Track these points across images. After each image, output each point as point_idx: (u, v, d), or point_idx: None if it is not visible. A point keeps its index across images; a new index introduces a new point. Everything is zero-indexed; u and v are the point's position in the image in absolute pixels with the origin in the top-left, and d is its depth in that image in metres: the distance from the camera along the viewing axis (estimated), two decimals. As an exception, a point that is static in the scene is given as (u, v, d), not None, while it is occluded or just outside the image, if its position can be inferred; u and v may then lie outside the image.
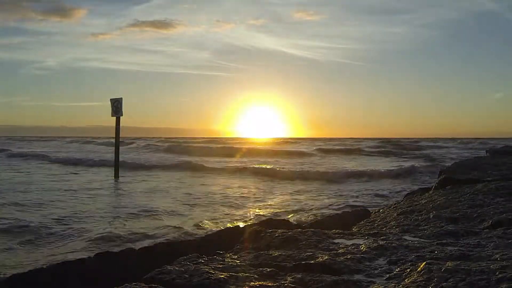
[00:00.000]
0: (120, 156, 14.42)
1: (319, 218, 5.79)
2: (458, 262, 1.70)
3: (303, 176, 13.65)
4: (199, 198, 9.07)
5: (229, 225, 6.23)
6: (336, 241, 2.28)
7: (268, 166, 17.53)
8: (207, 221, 6.60)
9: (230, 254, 2.09)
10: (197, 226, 6.28)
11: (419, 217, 3.04)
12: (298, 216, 7.21)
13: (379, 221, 3.26)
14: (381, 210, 4.29)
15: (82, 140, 58.05)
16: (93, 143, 49.14)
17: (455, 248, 2.01)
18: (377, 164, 19.81)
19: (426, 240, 2.29)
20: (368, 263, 1.86)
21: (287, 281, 1.65)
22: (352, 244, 2.17)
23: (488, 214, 2.80)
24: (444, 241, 2.21)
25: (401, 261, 1.85)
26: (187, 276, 1.69)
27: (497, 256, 1.81)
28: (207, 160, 21.53)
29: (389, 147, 37.83)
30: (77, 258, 3.14)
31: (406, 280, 1.59)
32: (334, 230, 2.55)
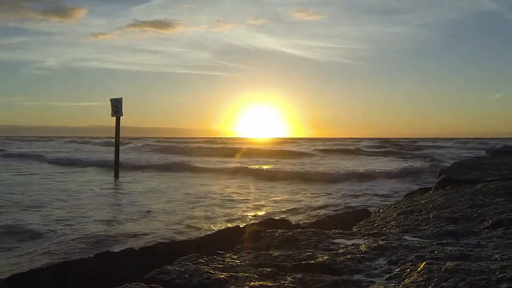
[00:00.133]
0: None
1: (319, 218, 5.79)
2: (458, 262, 1.70)
3: (303, 176, 13.65)
4: (199, 199, 9.07)
5: (229, 225, 6.23)
6: (336, 241, 2.28)
7: (268, 167, 17.53)
8: (206, 221, 6.60)
9: (230, 254, 2.09)
10: (197, 226, 6.27)
11: (419, 217, 3.04)
12: (298, 216, 7.21)
13: (379, 221, 3.26)
14: (381, 210, 4.29)
15: (79, 140, 58.02)
16: (91, 143, 49.10)
17: (455, 248, 2.01)
18: (377, 164, 19.81)
19: (426, 240, 2.29)
20: (368, 263, 1.86)
21: (287, 281, 1.65)
22: (352, 244, 2.17)
23: (488, 214, 2.80)
24: (444, 241, 2.21)
25: (401, 261, 1.85)
26: (187, 276, 1.69)
27: (497, 256, 1.81)
28: (206, 160, 21.55)
29: (389, 147, 37.86)
30: (77, 258, 3.14)
31: (406, 280, 1.59)
32: (334, 230, 2.55)
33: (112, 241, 5.26)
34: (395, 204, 4.67)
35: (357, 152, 31.25)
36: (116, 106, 13.66)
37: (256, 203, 8.60)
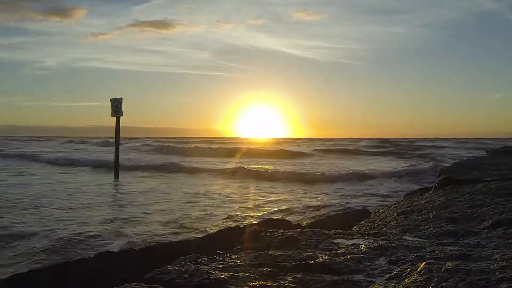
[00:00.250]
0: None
1: (319, 218, 5.79)
2: (458, 262, 1.71)
3: (303, 177, 13.65)
4: (198, 199, 9.07)
5: (229, 225, 6.23)
6: (336, 241, 2.28)
7: (267, 167, 17.53)
8: (206, 222, 6.60)
9: (230, 254, 2.09)
10: (197, 226, 6.28)
11: (419, 217, 3.04)
12: (298, 216, 7.21)
13: (379, 221, 3.26)
14: (381, 210, 4.29)
15: (78, 140, 57.96)
16: (89, 143, 49.02)
17: (455, 248, 2.01)
18: (376, 164, 19.82)
19: (426, 240, 2.29)
20: (368, 263, 1.86)
21: (287, 281, 1.65)
22: (352, 244, 2.17)
23: (488, 214, 2.80)
24: (444, 241, 2.21)
25: (401, 261, 1.85)
26: (187, 276, 1.69)
27: (497, 256, 1.81)
28: (206, 160, 21.54)
29: (389, 147, 37.88)
30: (77, 258, 3.14)
31: (406, 280, 1.59)
32: (334, 230, 2.55)
33: (112, 241, 5.26)
34: (395, 204, 4.67)
35: (356, 152, 31.26)
36: (116, 106, 13.65)
37: (256, 203, 8.60)
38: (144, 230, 5.87)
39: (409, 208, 3.54)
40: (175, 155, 25.53)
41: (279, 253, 2.00)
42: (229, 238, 3.12)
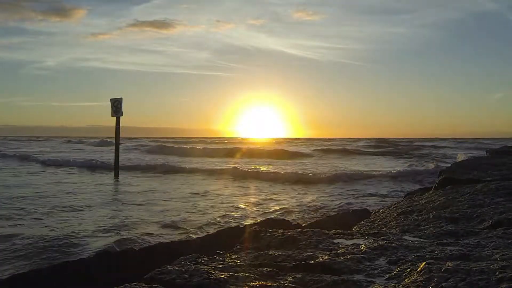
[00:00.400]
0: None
1: (319, 218, 5.79)
2: (458, 262, 1.71)
3: (302, 177, 13.64)
4: (198, 199, 9.07)
5: (229, 225, 6.22)
6: (336, 241, 2.29)
7: (267, 167, 17.53)
8: (206, 222, 6.60)
9: (230, 254, 2.09)
10: (197, 226, 6.27)
11: (419, 217, 3.04)
12: (297, 216, 7.21)
13: (379, 221, 3.26)
14: (381, 210, 4.29)
15: (75, 140, 57.92)
16: (85, 143, 48.96)
17: (455, 248, 2.01)
18: (376, 164, 19.82)
19: (426, 240, 2.29)
20: (368, 263, 1.86)
21: (287, 281, 1.65)
22: (352, 244, 2.17)
23: (488, 214, 2.80)
24: (444, 241, 2.21)
25: (401, 261, 1.85)
26: (187, 276, 1.69)
27: (497, 256, 1.81)
28: (206, 161, 21.54)
29: (389, 147, 37.87)
30: (77, 258, 3.14)
31: (406, 280, 1.59)
32: (334, 230, 2.55)
33: (112, 241, 5.26)
34: (395, 204, 4.67)
35: (356, 152, 31.25)
36: (116, 106, 13.65)
37: (256, 204, 8.60)
38: (144, 230, 5.87)
39: (409, 208, 3.54)
40: (174, 156, 25.49)
41: (279, 253, 2.00)
42: (229, 238, 3.12)
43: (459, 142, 48.24)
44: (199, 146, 34.40)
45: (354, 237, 2.42)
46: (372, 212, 4.45)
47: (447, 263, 1.67)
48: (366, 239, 2.33)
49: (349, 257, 1.90)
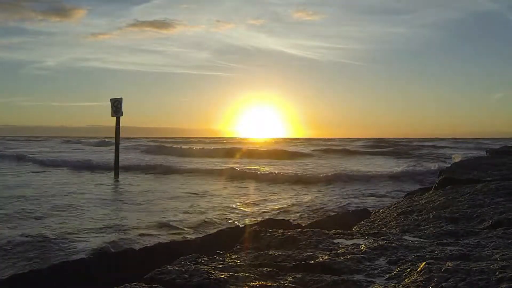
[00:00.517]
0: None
1: (319, 218, 5.79)
2: (458, 262, 1.71)
3: (302, 177, 13.64)
4: (197, 199, 9.07)
5: (229, 225, 6.23)
6: (336, 241, 2.29)
7: (267, 167, 17.53)
8: (206, 222, 6.60)
9: (230, 254, 2.09)
10: (197, 226, 6.27)
11: (419, 217, 3.04)
12: (298, 216, 7.21)
13: (379, 221, 3.26)
14: (381, 210, 4.29)
15: (74, 140, 57.83)
16: (84, 143, 48.90)
17: (455, 248, 2.01)
18: (376, 164, 19.82)
19: (426, 240, 2.29)
20: (368, 263, 1.86)
21: (287, 281, 1.65)
22: (352, 244, 2.17)
23: (488, 214, 2.80)
24: (444, 241, 2.22)
25: (401, 261, 1.85)
26: (187, 276, 1.69)
27: (497, 256, 1.81)
28: (206, 161, 21.54)
29: (388, 147, 37.87)
30: (77, 258, 3.14)
31: (406, 280, 1.59)
32: (334, 230, 2.55)
33: (112, 241, 5.26)
34: (395, 204, 4.67)
35: (356, 152, 31.25)
36: (116, 106, 13.65)
37: (255, 204, 8.60)
38: (143, 231, 5.87)
39: (409, 208, 3.54)
40: (173, 156, 25.46)
41: (279, 253, 2.00)
42: (229, 238, 3.12)
43: (459, 142, 48.26)
44: (198, 146, 34.39)
45: (354, 237, 2.42)
46: (372, 212, 4.45)
47: (447, 263, 1.67)
48: (366, 239, 2.33)
49: (349, 257, 1.90)
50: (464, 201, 3.34)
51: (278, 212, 7.52)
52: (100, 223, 6.34)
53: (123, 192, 10.34)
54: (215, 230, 4.32)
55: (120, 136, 14.12)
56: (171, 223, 6.35)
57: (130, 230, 5.89)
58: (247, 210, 7.87)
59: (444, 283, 1.49)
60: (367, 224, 3.27)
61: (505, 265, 1.61)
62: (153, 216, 6.92)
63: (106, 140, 42.67)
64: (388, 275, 1.70)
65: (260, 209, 7.97)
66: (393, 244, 2.11)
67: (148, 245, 3.73)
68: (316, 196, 9.62)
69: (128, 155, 24.52)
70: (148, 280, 1.69)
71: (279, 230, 2.40)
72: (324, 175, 13.84)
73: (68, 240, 5.27)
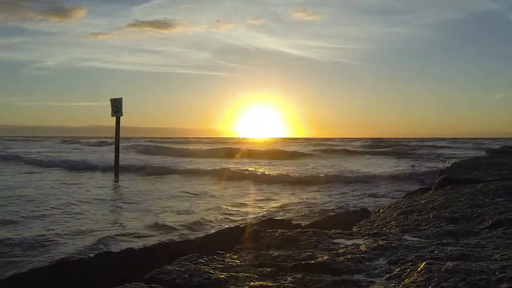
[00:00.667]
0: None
1: (319, 218, 5.79)
2: (458, 262, 1.71)
3: (302, 177, 13.64)
4: (197, 200, 9.07)
5: (229, 225, 6.23)
6: (336, 241, 2.29)
7: (266, 167, 17.53)
8: (206, 222, 6.60)
9: (230, 254, 2.09)
10: (196, 226, 6.27)
11: (419, 217, 3.04)
12: (297, 216, 7.21)
13: (379, 221, 3.26)
14: (381, 210, 4.29)
15: (73, 140, 57.72)
16: (83, 143, 48.81)
17: (455, 248, 2.01)
18: (376, 164, 19.82)
19: (426, 240, 2.29)
20: (368, 263, 1.86)
21: (287, 281, 1.65)
22: (352, 244, 2.17)
23: (488, 214, 2.80)
24: (444, 241, 2.22)
25: (401, 261, 1.85)
26: (187, 276, 1.69)
27: (497, 256, 1.81)
28: (206, 161, 21.54)
29: (389, 147, 37.88)
30: (77, 258, 3.13)
31: (406, 280, 1.59)
32: (334, 230, 2.55)
33: (112, 241, 5.26)
34: (395, 204, 4.67)
35: (356, 152, 31.26)
36: (116, 106, 13.64)
37: (255, 204, 8.60)
38: (142, 231, 5.87)
39: (409, 208, 3.54)
40: (173, 156, 25.43)
41: (279, 253, 2.00)
42: (229, 238, 3.12)
43: (458, 142, 48.30)
44: (197, 147, 34.36)
45: (354, 237, 2.42)
46: (372, 212, 4.45)
47: (447, 263, 1.67)
48: (366, 239, 2.33)
49: (349, 257, 1.90)
50: (464, 201, 3.34)
51: (277, 212, 7.52)
52: (100, 223, 6.34)
53: (123, 192, 10.34)
54: (215, 230, 4.33)
55: (120, 136, 14.12)
56: (171, 224, 6.35)
57: (130, 230, 5.89)
58: (247, 210, 7.86)
59: (444, 283, 1.49)
60: (367, 224, 3.27)
61: (505, 265, 1.61)
62: (152, 216, 6.92)
63: (104, 140, 42.59)
64: (388, 275, 1.70)
65: (260, 209, 7.97)
66: (393, 244, 2.11)
67: (148, 245, 3.74)
68: (316, 196, 9.62)
69: (128, 155, 24.53)
70: (148, 280, 1.69)
71: (279, 230, 2.40)
72: (324, 175, 13.84)
73: (68, 240, 5.27)
